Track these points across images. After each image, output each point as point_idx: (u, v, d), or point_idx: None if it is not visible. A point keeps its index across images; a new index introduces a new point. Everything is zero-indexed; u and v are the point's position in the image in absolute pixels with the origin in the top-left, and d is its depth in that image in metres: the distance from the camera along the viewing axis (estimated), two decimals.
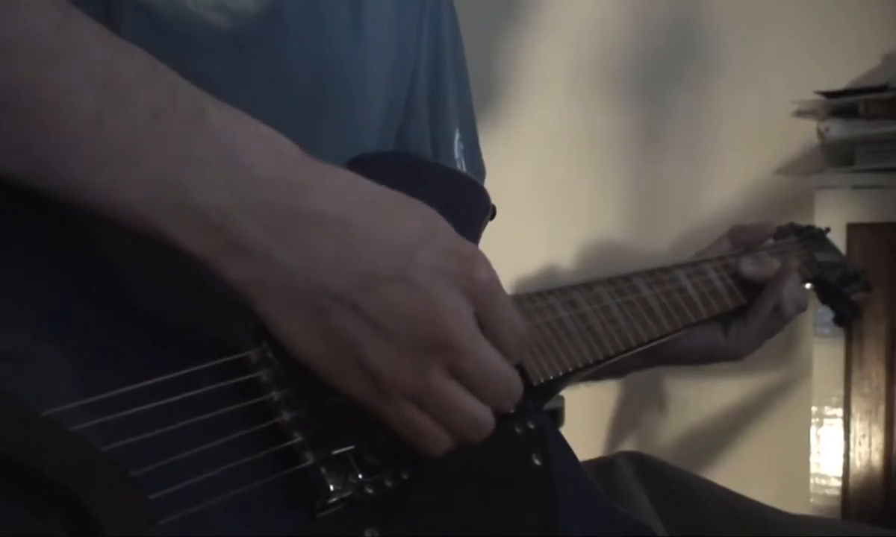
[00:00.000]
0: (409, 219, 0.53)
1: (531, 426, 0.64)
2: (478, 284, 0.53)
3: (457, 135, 0.88)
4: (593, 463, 0.94)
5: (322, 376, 0.52)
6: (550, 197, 2.24)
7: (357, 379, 0.52)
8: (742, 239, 1.06)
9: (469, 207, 0.73)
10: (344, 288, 0.50)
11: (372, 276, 0.51)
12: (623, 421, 2.18)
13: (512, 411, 0.61)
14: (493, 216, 0.76)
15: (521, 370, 0.67)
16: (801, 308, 1.01)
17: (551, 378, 0.70)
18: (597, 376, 1.02)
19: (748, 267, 0.99)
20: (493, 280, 0.54)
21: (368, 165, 0.66)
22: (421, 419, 0.53)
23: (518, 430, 0.63)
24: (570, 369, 0.72)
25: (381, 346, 0.51)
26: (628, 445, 2.16)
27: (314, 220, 0.50)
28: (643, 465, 0.94)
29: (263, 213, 0.49)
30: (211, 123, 0.49)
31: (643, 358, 0.97)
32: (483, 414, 0.54)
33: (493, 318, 0.54)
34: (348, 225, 0.51)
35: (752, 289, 0.99)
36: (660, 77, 2.17)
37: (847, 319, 1.21)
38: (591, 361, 0.75)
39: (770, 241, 1.12)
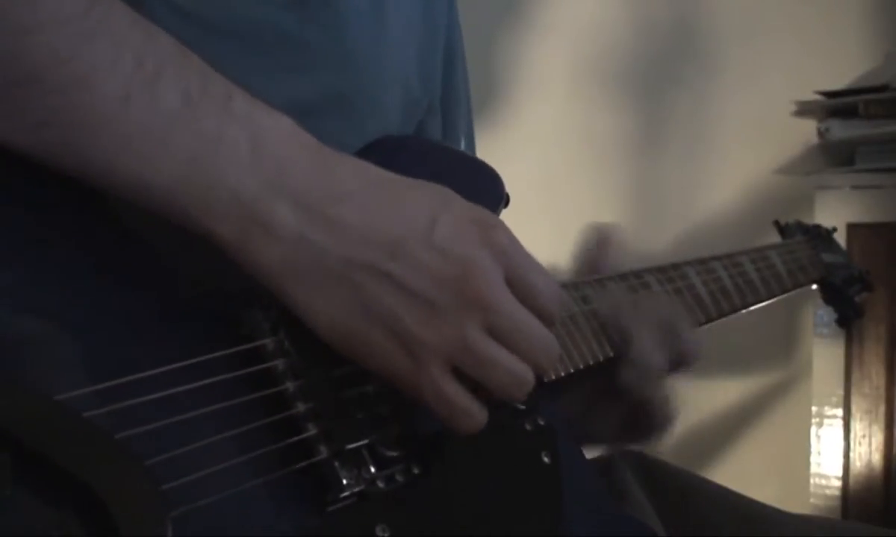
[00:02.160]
0: (424, 192, 0.55)
1: (541, 423, 0.64)
2: (500, 244, 0.54)
3: (462, 143, 0.88)
4: (592, 463, 0.94)
5: (357, 358, 0.52)
6: (550, 197, 2.24)
7: (394, 353, 0.52)
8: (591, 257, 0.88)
9: (485, 194, 0.73)
10: (375, 258, 0.51)
11: (401, 245, 0.52)
12: None
13: (552, 376, 0.62)
14: (506, 204, 0.76)
15: None
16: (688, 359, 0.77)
17: (563, 374, 0.70)
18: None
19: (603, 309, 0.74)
20: (514, 240, 0.55)
21: (390, 147, 0.67)
22: (457, 392, 0.53)
23: (528, 427, 0.63)
24: (581, 366, 0.72)
25: (417, 311, 0.51)
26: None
27: (340, 198, 0.51)
28: (642, 464, 0.94)
29: (293, 197, 0.50)
30: (239, 109, 0.50)
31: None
32: (523, 370, 0.54)
33: (521, 277, 0.54)
34: (372, 199, 0.52)
35: (762, 287, 0.97)
36: (660, 77, 2.17)
37: (850, 320, 1.20)
38: (601, 358, 0.74)
39: (777, 239, 1.12)
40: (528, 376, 0.54)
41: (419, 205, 0.53)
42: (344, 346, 0.52)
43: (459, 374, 0.53)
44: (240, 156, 0.49)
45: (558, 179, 2.25)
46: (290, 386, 0.53)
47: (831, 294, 1.17)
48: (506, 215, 0.79)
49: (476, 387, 0.54)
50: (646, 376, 0.73)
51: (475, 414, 0.54)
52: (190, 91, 0.49)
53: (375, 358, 0.52)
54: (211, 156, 0.49)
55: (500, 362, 0.53)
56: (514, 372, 0.54)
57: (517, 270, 0.54)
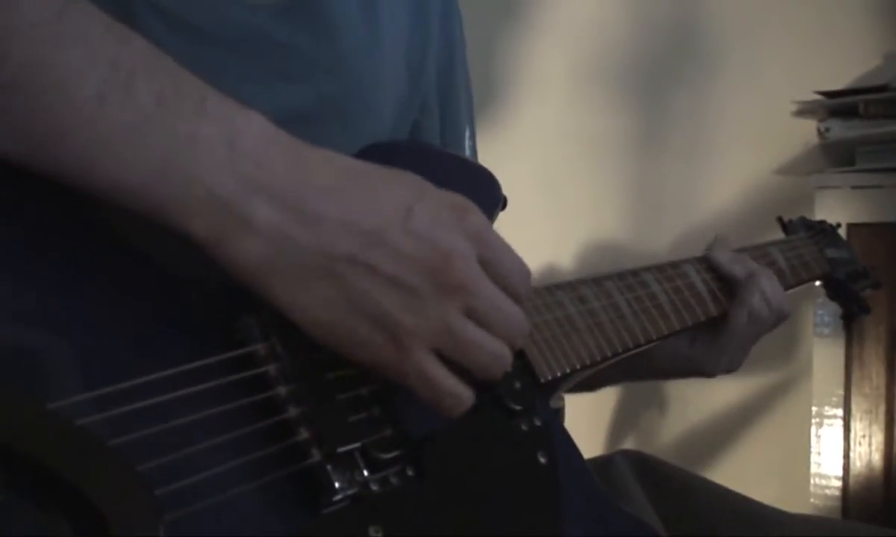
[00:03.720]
0: (399, 183, 0.55)
1: (537, 423, 0.64)
2: (474, 227, 0.55)
3: (467, 132, 0.88)
4: (591, 462, 0.94)
5: (342, 349, 0.53)
6: (550, 197, 2.24)
7: (378, 342, 0.53)
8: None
9: (481, 197, 0.73)
10: (355, 249, 0.52)
11: (378, 234, 0.52)
12: (623, 421, 2.18)
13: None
14: (503, 207, 0.76)
15: (529, 366, 0.67)
16: (782, 314, 0.94)
17: (559, 374, 0.70)
18: (579, 387, 1.00)
19: (734, 268, 0.92)
20: (486, 222, 0.57)
21: (382, 152, 0.67)
22: (442, 375, 0.54)
23: (524, 428, 0.63)
24: (578, 366, 0.72)
25: (399, 298, 0.52)
26: (628, 445, 2.16)
27: (317, 193, 0.52)
28: (642, 464, 0.94)
29: (270, 193, 0.50)
30: (213, 108, 0.50)
31: (617, 371, 0.93)
32: (500, 348, 0.56)
33: (494, 258, 0.56)
34: (348, 192, 0.53)
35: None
36: (660, 77, 2.17)
37: (856, 316, 1.20)
38: (598, 358, 0.74)
39: (781, 235, 1.11)
40: (506, 353, 0.56)
41: (395, 194, 0.54)
42: (329, 339, 0.53)
43: (443, 357, 0.54)
44: (216, 154, 0.49)
45: (558, 179, 2.25)
46: (282, 390, 0.53)
47: (836, 290, 1.17)
48: (506, 215, 0.79)
49: (459, 369, 0.55)
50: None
51: (461, 394, 0.55)
52: (164, 91, 0.49)
53: (360, 347, 0.53)
54: (186, 154, 0.49)
55: (480, 343, 0.55)
56: (493, 351, 0.55)
57: (489, 252, 0.56)
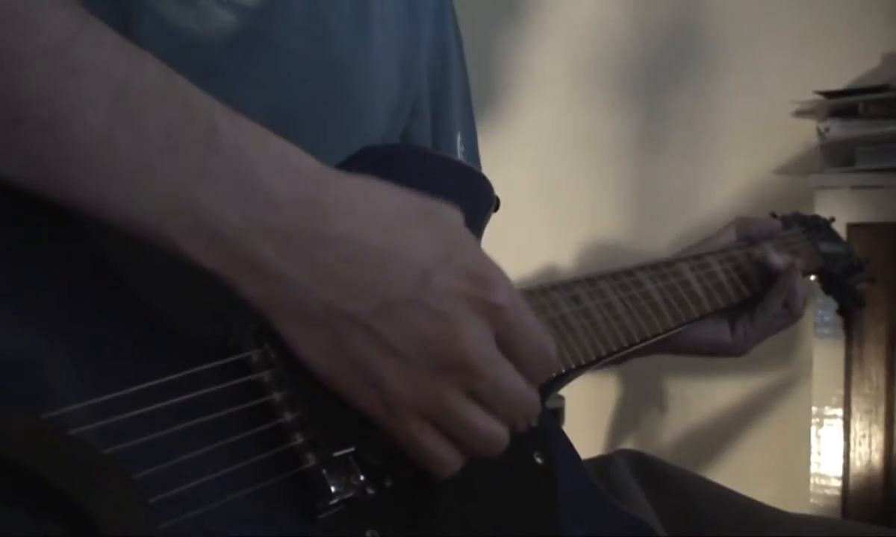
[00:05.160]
0: (426, 239, 0.53)
1: (533, 424, 0.64)
2: (495, 308, 0.53)
3: (458, 137, 0.88)
4: (591, 462, 0.94)
5: (337, 392, 0.52)
6: (550, 197, 2.24)
7: (371, 398, 0.52)
8: (748, 233, 1.06)
9: (473, 199, 0.73)
10: (359, 312, 0.50)
11: (387, 301, 0.51)
12: (623, 420, 2.18)
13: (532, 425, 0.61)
14: (496, 208, 0.76)
15: None
16: (805, 303, 1.02)
17: (553, 375, 0.70)
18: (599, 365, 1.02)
19: (775, 258, 1.01)
20: (511, 301, 0.54)
21: (375, 157, 0.66)
22: (433, 441, 0.53)
23: None
24: (573, 366, 0.72)
25: (397, 369, 0.51)
26: (628, 445, 2.16)
27: (329, 244, 0.50)
28: (641, 463, 0.94)
29: (278, 236, 0.49)
30: (224, 141, 0.49)
31: (653, 346, 0.97)
32: (498, 432, 0.54)
33: (513, 340, 0.54)
34: (364, 248, 0.51)
35: (757, 282, 0.99)
36: (659, 77, 2.17)
37: (851, 310, 1.20)
38: (594, 358, 0.74)
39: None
40: (503, 438, 0.54)
41: (415, 256, 0.52)
42: (327, 381, 0.52)
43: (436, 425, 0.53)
44: (222, 194, 0.48)
45: (558, 180, 2.25)
46: (276, 396, 0.53)
47: (830, 283, 1.17)
48: (505, 216, 0.79)
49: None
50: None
51: (449, 462, 0.54)
52: (173, 121, 0.48)
53: (355, 398, 0.52)
54: (193, 192, 0.48)
55: (474, 424, 0.53)
56: (488, 435, 0.54)
57: (508, 332, 0.53)
